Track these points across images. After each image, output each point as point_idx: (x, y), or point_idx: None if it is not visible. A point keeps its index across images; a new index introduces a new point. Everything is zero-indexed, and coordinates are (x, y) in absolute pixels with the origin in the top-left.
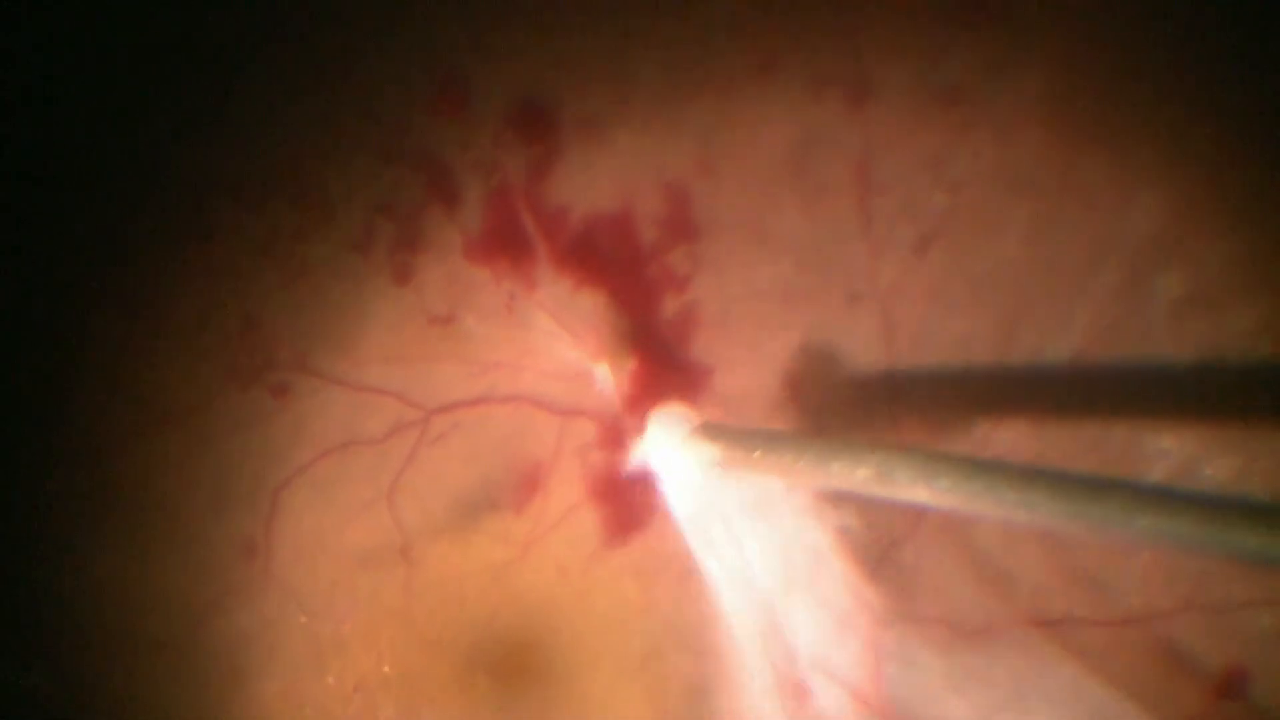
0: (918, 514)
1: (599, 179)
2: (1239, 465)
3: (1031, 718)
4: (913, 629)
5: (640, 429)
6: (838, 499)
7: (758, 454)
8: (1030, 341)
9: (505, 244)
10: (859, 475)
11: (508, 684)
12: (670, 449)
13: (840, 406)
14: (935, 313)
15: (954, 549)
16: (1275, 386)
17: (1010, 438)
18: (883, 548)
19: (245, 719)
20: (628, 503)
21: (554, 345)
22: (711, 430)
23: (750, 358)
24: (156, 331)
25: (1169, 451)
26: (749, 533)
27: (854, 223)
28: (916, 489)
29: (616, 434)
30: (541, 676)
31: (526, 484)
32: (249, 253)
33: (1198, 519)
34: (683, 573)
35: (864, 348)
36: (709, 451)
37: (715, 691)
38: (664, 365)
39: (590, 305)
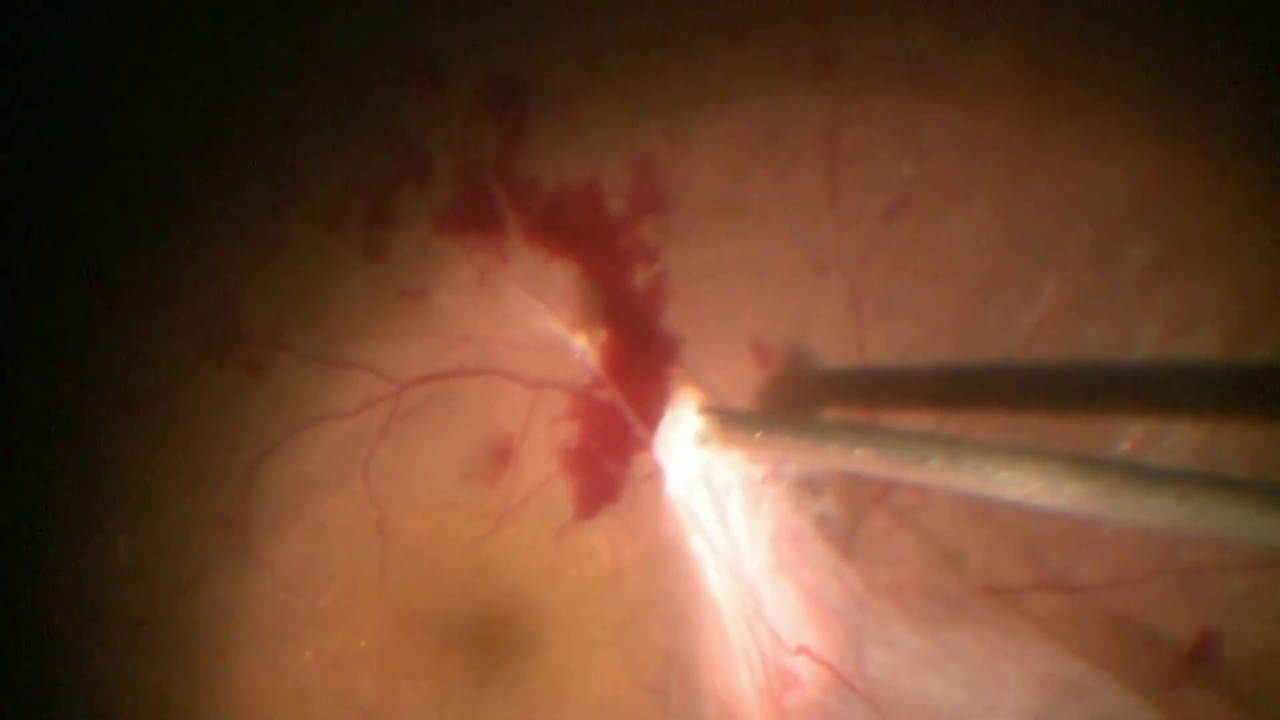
0: (881, 490)
1: (569, 152)
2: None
3: (1008, 690)
4: (889, 607)
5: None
6: (816, 487)
7: (758, 435)
8: (998, 310)
9: (476, 218)
10: (856, 455)
11: (484, 655)
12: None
13: (809, 376)
14: (902, 282)
15: (914, 530)
16: (1246, 361)
17: (978, 411)
18: (851, 524)
19: (225, 694)
20: (600, 474)
21: (526, 317)
22: (715, 413)
23: (720, 328)
24: (133, 310)
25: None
26: (729, 516)
27: (821, 193)
28: (910, 469)
29: (588, 406)
30: (518, 647)
31: (499, 456)
32: (225, 231)
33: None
34: (656, 543)
35: (831, 318)
36: (711, 432)
37: (696, 662)
38: (635, 336)
39: (562, 277)
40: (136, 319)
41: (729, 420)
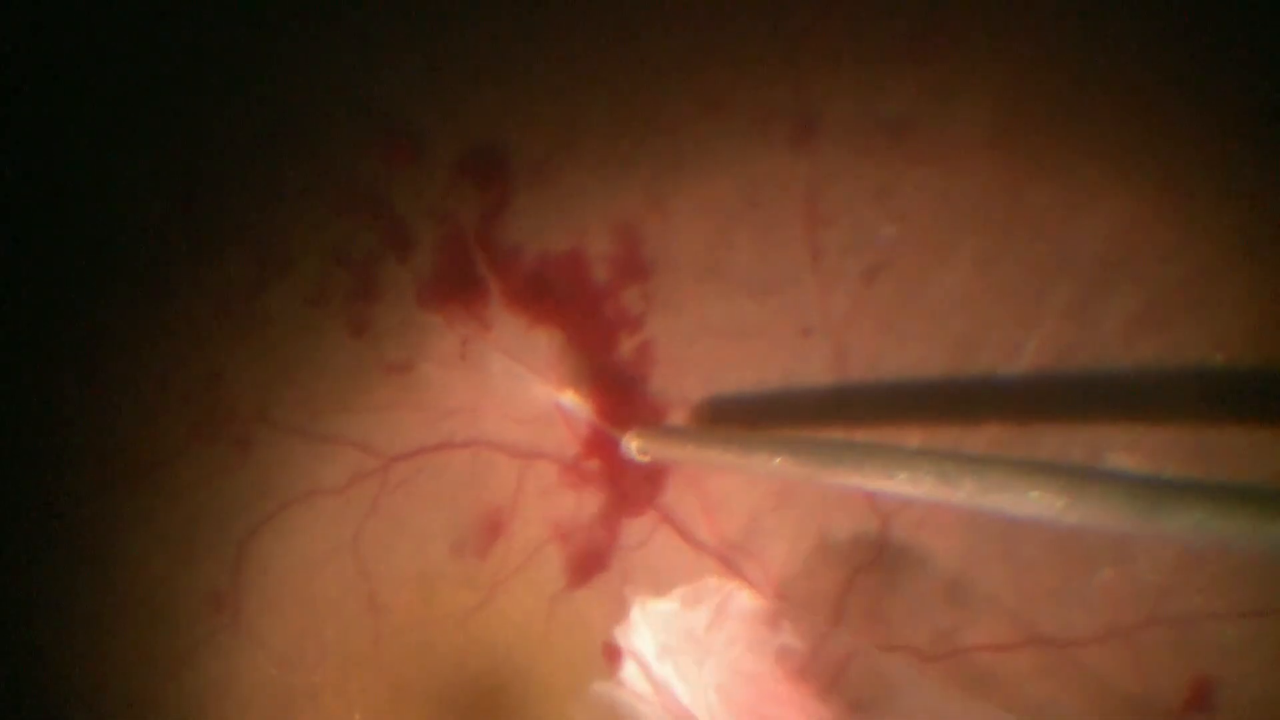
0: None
1: (551, 221)
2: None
3: None
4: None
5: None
6: (774, 625)
7: (690, 447)
8: (982, 367)
9: (458, 289)
10: (776, 463)
11: None
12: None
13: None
14: (886, 343)
15: (900, 599)
16: (1231, 396)
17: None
18: (835, 668)
19: None
20: (590, 543)
21: (510, 385)
22: (649, 429)
23: (706, 394)
24: (121, 389)
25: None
26: (667, 679)
27: (803, 256)
28: (823, 472)
29: (576, 475)
30: (511, 716)
31: (489, 528)
32: (209, 308)
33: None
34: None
35: (817, 380)
36: (648, 445)
37: None
38: (621, 403)
39: (546, 342)
40: (123, 397)
41: (662, 435)
